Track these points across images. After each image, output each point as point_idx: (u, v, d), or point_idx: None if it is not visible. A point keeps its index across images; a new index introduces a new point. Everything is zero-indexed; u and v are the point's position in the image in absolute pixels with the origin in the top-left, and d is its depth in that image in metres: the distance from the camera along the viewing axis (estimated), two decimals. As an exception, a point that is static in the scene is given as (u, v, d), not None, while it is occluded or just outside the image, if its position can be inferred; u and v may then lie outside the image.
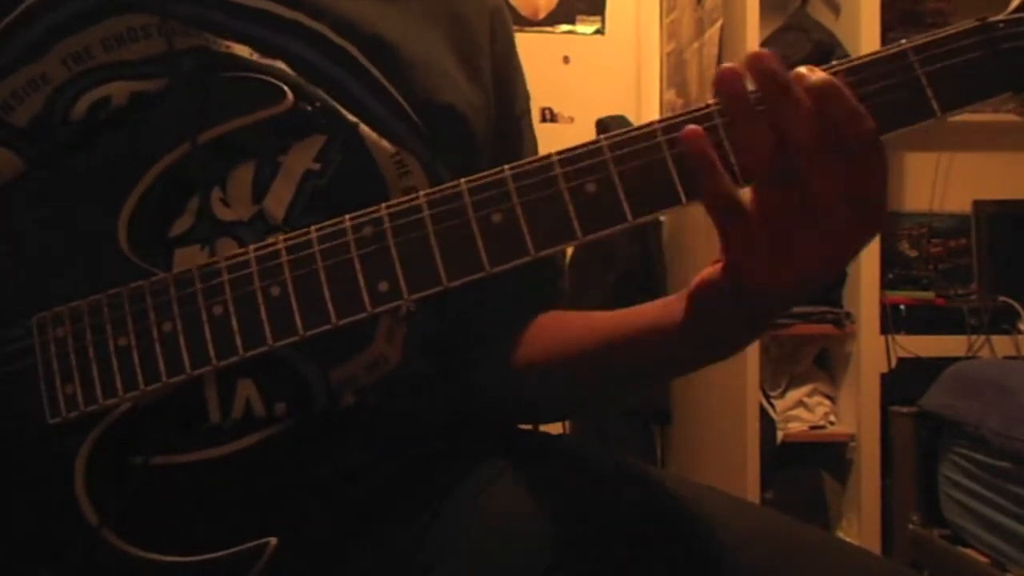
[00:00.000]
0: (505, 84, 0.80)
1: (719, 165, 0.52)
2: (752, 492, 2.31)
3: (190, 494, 0.61)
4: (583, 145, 0.55)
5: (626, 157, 0.54)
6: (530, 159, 0.55)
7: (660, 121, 0.54)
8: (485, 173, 0.55)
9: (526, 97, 0.84)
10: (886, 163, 0.51)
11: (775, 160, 0.51)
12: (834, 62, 0.54)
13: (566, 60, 3.21)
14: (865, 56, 0.54)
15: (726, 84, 0.52)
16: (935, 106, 0.53)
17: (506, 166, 0.55)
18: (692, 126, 0.52)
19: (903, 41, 0.53)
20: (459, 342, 0.77)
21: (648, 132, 0.54)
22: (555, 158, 0.55)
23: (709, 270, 0.56)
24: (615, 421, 2.83)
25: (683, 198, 0.54)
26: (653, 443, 2.94)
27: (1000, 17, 0.53)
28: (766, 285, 0.53)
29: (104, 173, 0.61)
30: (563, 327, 0.73)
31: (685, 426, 2.85)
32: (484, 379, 0.77)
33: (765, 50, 0.52)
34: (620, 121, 3.01)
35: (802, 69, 0.51)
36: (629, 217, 0.54)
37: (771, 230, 0.52)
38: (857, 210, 0.51)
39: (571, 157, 0.55)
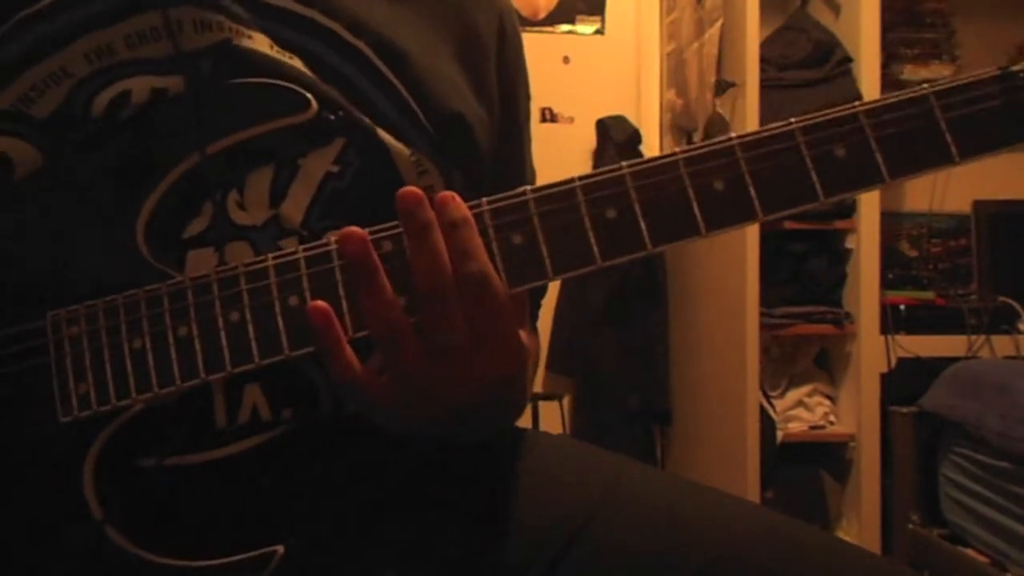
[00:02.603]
0: (510, 90, 0.80)
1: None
2: (752, 492, 2.32)
3: (196, 496, 0.61)
4: (605, 171, 0.55)
5: (647, 187, 0.54)
6: (552, 183, 0.55)
7: (683, 152, 0.55)
8: (506, 194, 0.56)
9: (527, 99, 0.84)
10: (507, 310, 0.54)
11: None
12: (856, 103, 0.55)
13: (566, 60, 3.21)
14: (886, 98, 0.55)
15: (405, 205, 0.54)
16: (954, 151, 0.54)
17: (528, 188, 0.56)
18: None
19: (925, 85, 0.54)
20: None
21: (670, 163, 0.55)
22: (577, 184, 0.55)
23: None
24: (615, 421, 2.83)
25: (703, 229, 0.54)
26: (653, 443, 2.94)
27: (1020, 67, 0.54)
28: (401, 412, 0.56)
29: (124, 172, 0.61)
30: None
31: (685, 426, 2.85)
32: None
33: (411, 188, 0.54)
34: (620, 121, 3.01)
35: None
36: (649, 245, 0.54)
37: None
38: (481, 352, 0.54)
39: (593, 184, 0.55)
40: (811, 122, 0.54)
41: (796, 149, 0.54)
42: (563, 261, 0.55)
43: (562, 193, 0.55)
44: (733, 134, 0.55)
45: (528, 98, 0.84)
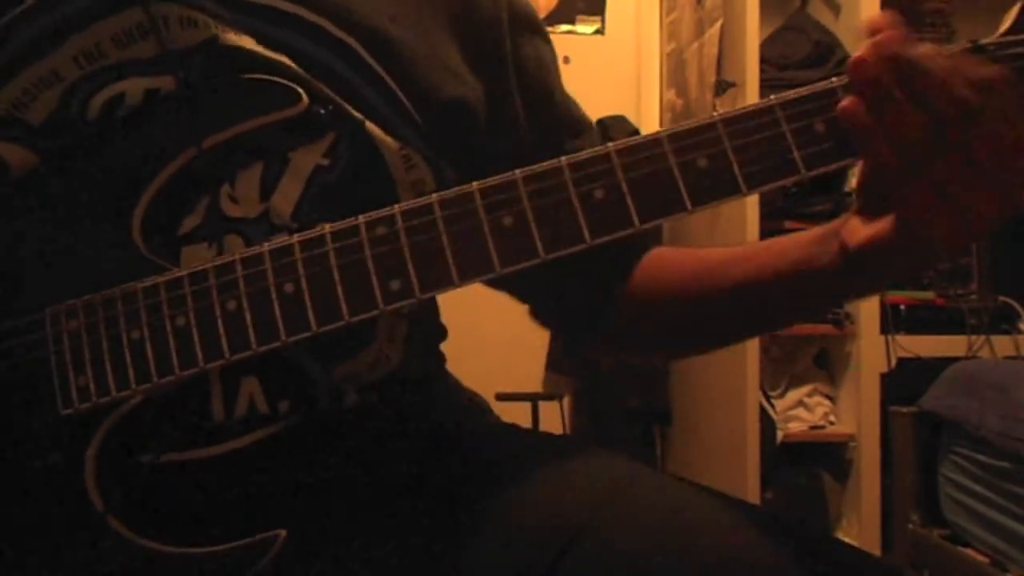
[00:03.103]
0: (533, 68, 0.79)
1: (879, 135, 0.53)
2: (752, 492, 2.31)
3: (195, 491, 0.62)
4: (592, 151, 0.56)
5: (634, 164, 0.55)
6: (540, 164, 0.56)
7: (666, 131, 0.56)
8: (497, 177, 0.56)
9: (554, 60, 0.83)
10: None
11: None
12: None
13: (566, 60, 3.21)
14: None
15: (861, 71, 0.53)
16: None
17: (517, 171, 0.56)
18: (848, 99, 0.53)
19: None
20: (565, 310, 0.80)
21: (654, 140, 0.56)
22: (565, 163, 0.56)
23: (870, 228, 0.56)
24: (615, 421, 2.83)
25: (688, 205, 0.55)
26: (653, 443, 2.94)
27: (990, 40, 0.56)
28: (935, 238, 0.54)
29: (119, 170, 0.61)
30: (685, 266, 0.76)
31: (685, 426, 2.85)
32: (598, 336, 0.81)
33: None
34: (620, 121, 3.01)
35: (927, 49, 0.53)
36: (636, 222, 0.55)
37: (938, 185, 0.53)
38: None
39: (580, 163, 0.56)
40: (791, 98, 0.55)
41: (776, 124, 0.55)
42: (553, 240, 0.55)
43: (549, 172, 0.56)
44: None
45: (554, 59, 0.83)
